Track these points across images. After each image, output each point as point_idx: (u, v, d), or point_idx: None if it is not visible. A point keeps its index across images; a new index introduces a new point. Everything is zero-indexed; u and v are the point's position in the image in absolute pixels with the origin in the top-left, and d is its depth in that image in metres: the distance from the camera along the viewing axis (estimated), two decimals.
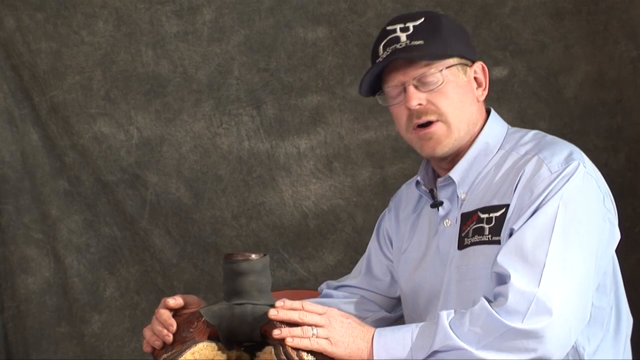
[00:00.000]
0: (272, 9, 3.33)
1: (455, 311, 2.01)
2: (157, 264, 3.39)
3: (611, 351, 2.14)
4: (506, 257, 2.01)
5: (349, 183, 3.36)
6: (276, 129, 3.36)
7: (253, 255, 2.04)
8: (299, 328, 1.99)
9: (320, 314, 2.02)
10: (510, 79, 3.27)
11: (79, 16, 3.34)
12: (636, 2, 3.18)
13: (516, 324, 1.95)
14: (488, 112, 2.24)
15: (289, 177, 3.36)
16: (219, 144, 3.37)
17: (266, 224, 3.37)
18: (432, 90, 2.13)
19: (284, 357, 1.98)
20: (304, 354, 1.99)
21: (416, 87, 2.14)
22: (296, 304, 2.02)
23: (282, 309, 2.00)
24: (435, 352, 1.98)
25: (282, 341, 1.99)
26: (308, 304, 2.03)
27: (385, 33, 2.17)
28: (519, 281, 1.97)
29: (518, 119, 3.21)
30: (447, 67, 2.14)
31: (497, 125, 2.22)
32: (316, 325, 2.00)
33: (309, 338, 1.99)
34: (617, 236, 2.15)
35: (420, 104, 2.14)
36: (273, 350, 2.00)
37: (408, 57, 2.13)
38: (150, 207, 3.37)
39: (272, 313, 1.99)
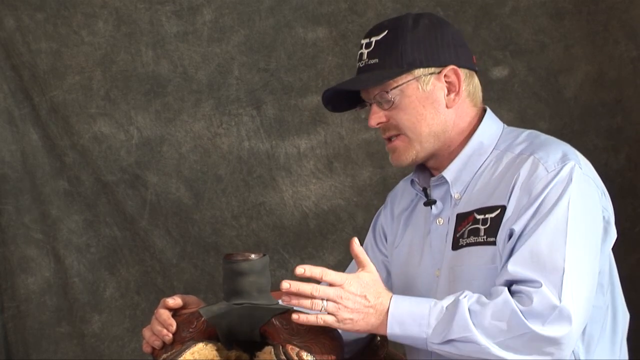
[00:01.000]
0: (272, 9, 3.33)
1: (477, 296, 2.00)
2: (157, 264, 3.39)
3: (607, 350, 2.14)
4: (523, 265, 2.00)
5: (349, 183, 3.36)
6: (276, 129, 3.36)
7: (253, 255, 2.04)
8: (309, 300, 1.98)
9: (336, 284, 1.99)
10: (510, 79, 3.27)
11: (79, 16, 3.34)
12: (636, 2, 3.18)
13: (537, 327, 1.95)
14: (485, 111, 2.25)
15: (289, 177, 3.36)
16: (219, 144, 3.37)
17: (266, 224, 3.37)
18: (390, 108, 2.16)
19: (283, 357, 1.98)
20: (304, 354, 1.99)
21: (379, 103, 2.17)
22: (317, 270, 2.00)
23: (303, 275, 1.98)
24: (451, 341, 1.98)
25: (282, 341, 1.99)
26: (328, 272, 2.01)
27: (360, 46, 2.21)
28: (545, 288, 1.97)
29: (518, 119, 3.22)
30: (400, 84, 2.14)
31: (492, 124, 2.22)
32: (327, 299, 1.99)
33: (315, 316, 1.98)
34: (614, 235, 2.15)
35: (380, 122, 2.18)
36: (273, 350, 2.00)
37: (354, 87, 2.19)
38: (150, 207, 3.37)
39: (285, 286, 1.97)
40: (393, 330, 2.01)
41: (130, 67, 3.35)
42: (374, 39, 2.17)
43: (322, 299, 1.99)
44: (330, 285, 2.00)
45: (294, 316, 1.98)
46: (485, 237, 2.09)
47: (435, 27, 2.19)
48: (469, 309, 1.98)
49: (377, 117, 2.18)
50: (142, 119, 3.36)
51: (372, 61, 2.16)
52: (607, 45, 3.23)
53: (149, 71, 3.36)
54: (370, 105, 2.19)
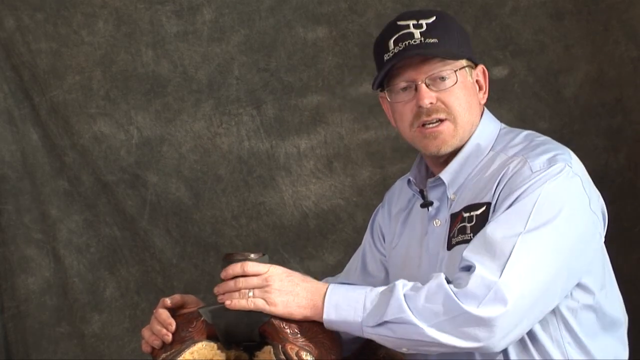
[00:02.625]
0: (272, 9, 3.33)
1: (411, 283, 2.01)
2: (157, 264, 3.39)
3: (601, 350, 2.13)
4: (474, 249, 2.00)
5: (349, 183, 3.35)
6: (276, 129, 3.36)
7: (252, 255, 2.04)
8: (234, 285, 2.02)
9: (260, 274, 2.03)
10: (510, 79, 3.27)
11: (79, 16, 3.34)
12: (636, 2, 3.18)
13: (471, 308, 1.94)
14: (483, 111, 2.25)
15: (289, 177, 3.36)
16: (219, 144, 3.37)
17: (266, 224, 3.37)
18: (443, 89, 2.14)
19: (282, 357, 1.98)
20: (303, 354, 1.99)
21: (427, 85, 2.14)
22: (237, 267, 2.03)
23: (227, 277, 2.02)
24: (385, 322, 1.98)
25: (281, 341, 1.99)
26: (250, 264, 2.04)
27: (396, 27, 2.16)
28: (482, 270, 1.96)
29: (518, 119, 3.21)
30: (463, 67, 2.14)
31: (489, 125, 2.22)
32: (253, 288, 2.02)
33: (246, 299, 2.00)
34: (601, 239, 2.13)
35: (431, 103, 2.14)
36: (272, 350, 2.00)
37: (427, 54, 2.13)
38: (150, 207, 3.37)
39: (214, 290, 2.03)
40: (329, 315, 2.02)
41: (130, 67, 3.35)
42: (423, 22, 2.15)
43: (248, 289, 2.01)
44: (255, 275, 2.03)
45: (227, 302, 1.99)
46: (471, 234, 2.09)
47: (463, 28, 2.24)
48: (404, 294, 1.98)
49: (430, 96, 2.13)
50: (142, 119, 3.36)
51: (431, 40, 2.13)
52: (607, 45, 3.23)
53: (149, 71, 3.35)
54: (416, 86, 2.15)
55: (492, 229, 2.01)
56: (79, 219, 3.38)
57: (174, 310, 2.09)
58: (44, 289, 3.38)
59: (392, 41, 2.15)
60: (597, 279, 2.13)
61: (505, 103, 3.24)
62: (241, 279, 2.02)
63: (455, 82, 2.13)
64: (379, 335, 2.00)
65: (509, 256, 1.96)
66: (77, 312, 3.39)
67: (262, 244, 3.35)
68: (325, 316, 2.02)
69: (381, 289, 2.03)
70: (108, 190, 3.37)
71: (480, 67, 2.21)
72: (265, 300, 2.01)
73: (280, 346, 1.99)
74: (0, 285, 3.38)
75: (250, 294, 2.01)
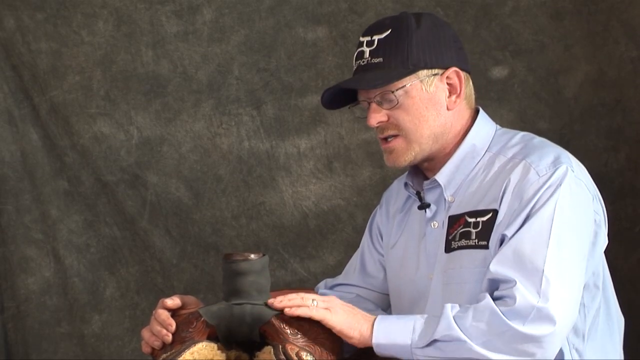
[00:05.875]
0: (272, 9, 3.33)
1: (460, 305, 2.02)
2: (157, 264, 3.39)
3: (602, 352, 2.14)
4: (504, 265, 2.01)
5: (349, 183, 3.36)
6: (276, 129, 3.36)
7: (252, 256, 2.04)
8: (298, 297, 2.02)
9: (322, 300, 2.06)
10: (510, 79, 3.27)
11: (79, 16, 3.34)
12: (636, 2, 3.18)
13: (518, 326, 1.96)
14: (477, 112, 2.24)
15: (289, 177, 3.36)
16: (219, 144, 3.37)
17: (266, 224, 3.37)
18: (393, 107, 2.15)
19: (283, 357, 1.98)
20: (303, 354, 1.99)
21: (379, 103, 2.15)
22: (293, 294, 2.05)
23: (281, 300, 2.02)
24: (435, 341, 2.00)
25: (281, 341, 1.99)
26: (306, 294, 2.06)
27: (359, 44, 2.19)
28: (521, 287, 1.98)
29: (518, 119, 3.21)
30: (405, 85, 2.13)
31: (484, 126, 2.21)
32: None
33: (309, 306, 2.00)
34: (604, 238, 2.15)
35: (380, 122, 2.16)
36: (272, 350, 2.00)
37: (359, 87, 2.16)
38: (150, 207, 3.37)
39: (270, 301, 2.01)
40: (378, 340, 2.03)
41: (130, 67, 3.35)
42: (376, 38, 2.16)
43: (312, 299, 2.03)
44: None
45: (287, 310, 1.99)
46: (476, 240, 2.10)
47: (437, 28, 2.18)
48: (453, 315, 2.00)
49: (377, 116, 2.16)
50: (142, 119, 3.36)
51: (376, 60, 2.14)
52: (607, 45, 3.23)
53: (149, 71, 3.36)
54: (369, 104, 2.18)
55: (518, 241, 2.02)
56: (79, 219, 3.38)
57: (173, 311, 2.09)
58: (44, 289, 3.38)
59: (354, 58, 2.19)
60: (594, 280, 2.14)
61: (505, 103, 3.24)
62: (306, 294, 2.05)
63: (397, 102, 2.13)
64: (428, 357, 2.01)
65: (543, 272, 1.98)
66: (77, 312, 3.39)
67: (262, 244, 3.35)
68: (374, 340, 2.03)
69: (430, 315, 2.05)
70: (108, 190, 3.37)
71: (452, 70, 2.16)
72: (329, 310, 2.02)
73: (280, 346, 1.99)
74: (0, 285, 3.38)
75: (315, 303, 2.02)
